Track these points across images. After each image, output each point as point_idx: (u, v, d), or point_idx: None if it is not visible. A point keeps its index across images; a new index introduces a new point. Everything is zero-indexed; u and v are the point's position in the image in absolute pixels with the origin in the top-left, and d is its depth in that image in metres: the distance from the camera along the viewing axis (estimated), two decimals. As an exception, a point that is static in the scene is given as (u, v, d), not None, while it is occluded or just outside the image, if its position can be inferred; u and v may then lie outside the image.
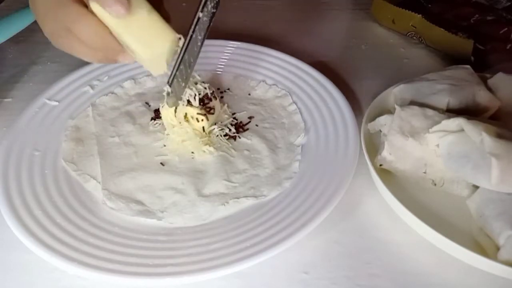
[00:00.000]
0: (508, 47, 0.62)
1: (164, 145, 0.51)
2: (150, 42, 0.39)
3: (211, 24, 0.42)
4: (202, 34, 0.42)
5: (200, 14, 0.41)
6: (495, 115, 0.50)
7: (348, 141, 0.49)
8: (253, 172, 0.49)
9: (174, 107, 0.50)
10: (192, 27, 0.41)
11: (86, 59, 0.40)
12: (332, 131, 0.51)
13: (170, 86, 0.44)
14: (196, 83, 0.51)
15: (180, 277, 0.37)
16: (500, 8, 0.70)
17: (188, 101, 0.49)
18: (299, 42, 0.70)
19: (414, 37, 0.69)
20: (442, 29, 0.64)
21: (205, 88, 0.51)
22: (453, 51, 0.64)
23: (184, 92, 0.48)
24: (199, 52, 0.44)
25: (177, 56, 0.42)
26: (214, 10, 0.42)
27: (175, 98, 0.46)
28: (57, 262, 0.38)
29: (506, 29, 0.64)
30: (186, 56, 0.42)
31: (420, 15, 0.67)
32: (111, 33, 0.38)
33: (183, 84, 0.46)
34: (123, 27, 0.38)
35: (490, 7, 0.70)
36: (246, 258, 0.38)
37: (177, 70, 0.43)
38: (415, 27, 0.68)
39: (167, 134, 0.52)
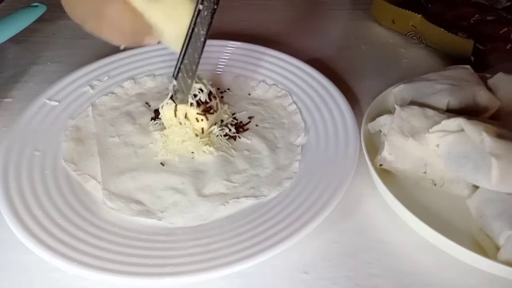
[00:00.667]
0: (508, 47, 0.62)
1: (164, 146, 0.51)
2: (177, 18, 0.40)
3: (213, 20, 0.42)
4: (205, 29, 0.42)
5: (201, 7, 0.41)
6: (495, 115, 0.50)
7: (348, 141, 0.49)
8: (253, 172, 0.49)
9: (173, 108, 0.50)
10: (193, 19, 0.41)
11: (114, 42, 0.40)
12: (332, 131, 0.51)
13: (175, 79, 0.43)
14: (201, 79, 0.51)
15: (180, 277, 0.37)
16: (500, 8, 0.70)
17: (195, 96, 0.50)
18: (299, 42, 0.70)
19: (414, 37, 0.69)
20: (442, 29, 0.64)
21: (208, 83, 0.51)
22: (453, 51, 0.64)
23: (193, 88, 0.48)
24: (202, 48, 0.43)
25: (180, 49, 0.42)
26: (215, 6, 0.42)
27: (183, 94, 0.46)
28: (57, 262, 0.38)
29: (506, 29, 0.64)
30: (190, 50, 0.42)
31: (420, 15, 0.67)
32: (138, 15, 0.39)
33: (190, 81, 0.45)
34: (150, 6, 0.39)
35: (490, 7, 0.70)
36: (246, 258, 0.38)
37: (181, 64, 0.42)
38: (415, 27, 0.68)
39: (167, 135, 0.52)
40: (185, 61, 0.43)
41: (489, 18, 0.67)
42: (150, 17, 0.39)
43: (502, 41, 0.63)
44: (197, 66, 0.44)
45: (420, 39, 0.69)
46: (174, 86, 0.44)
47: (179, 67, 0.43)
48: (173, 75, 0.43)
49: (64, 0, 0.38)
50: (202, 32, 0.42)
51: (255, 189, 0.47)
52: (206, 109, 0.51)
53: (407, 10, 0.68)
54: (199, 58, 0.44)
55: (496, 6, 0.70)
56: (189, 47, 0.42)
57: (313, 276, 0.40)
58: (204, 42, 0.43)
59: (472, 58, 0.62)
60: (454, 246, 0.38)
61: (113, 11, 0.37)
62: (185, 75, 0.44)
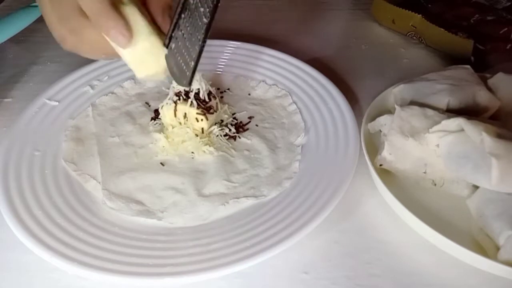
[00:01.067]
0: (508, 47, 0.62)
1: (164, 146, 0.51)
2: (145, 65, 0.40)
3: (218, 3, 0.41)
4: (206, 8, 0.40)
5: None
6: (495, 115, 0.50)
7: (348, 141, 0.49)
8: (253, 172, 0.49)
9: (173, 108, 0.50)
10: None
11: (91, 58, 0.42)
12: (332, 131, 0.51)
13: (167, 48, 0.40)
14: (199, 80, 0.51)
15: (180, 277, 0.37)
16: (500, 8, 0.70)
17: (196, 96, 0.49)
18: (299, 42, 0.70)
19: (414, 37, 0.69)
20: (442, 29, 0.64)
21: (208, 83, 0.51)
22: (453, 51, 0.64)
23: (195, 73, 0.46)
24: (206, 32, 0.40)
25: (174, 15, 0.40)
26: None
27: (184, 75, 0.42)
28: (57, 262, 0.38)
29: (506, 29, 0.64)
30: (187, 23, 0.39)
31: (420, 15, 0.67)
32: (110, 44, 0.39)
33: (192, 63, 0.42)
34: (120, 49, 0.39)
35: (490, 7, 0.70)
36: (246, 258, 0.38)
37: (172, 31, 0.40)
38: (415, 27, 0.68)
39: (167, 135, 0.52)
40: (181, 33, 0.40)
41: (489, 18, 0.67)
42: (122, 56, 0.40)
43: (502, 41, 0.63)
44: (200, 49, 0.41)
45: (420, 39, 0.69)
46: (166, 56, 0.40)
47: (170, 35, 0.40)
48: (164, 43, 0.40)
49: (46, 20, 0.39)
50: (202, 9, 0.40)
51: (255, 189, 0.47)
52: (206, 109, 0.51)
53: (407, 10, 0.68)
54: (203, 42, 0.41)
55: (496, 6, 0.70)
56: (184, 19, 0.39)
57: (313, 276, 0.40)
58: (209, 25, 0.40)
59: (472, 58, 0.62)
60: (454, 246, 0.38)
61: (86, 37, 0.38)
62: (184, 52, 0.41)
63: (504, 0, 0.70)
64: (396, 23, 0.71)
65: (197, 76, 0.50)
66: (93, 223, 0.43)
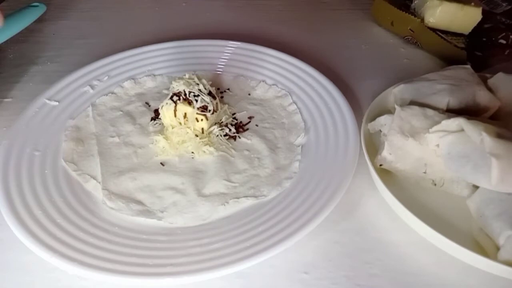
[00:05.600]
0: (506, 53, 0.62)
1: (164, 146, 0.51)
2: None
3: None
4: None
5: None
6: (495, 115, 0.50)
7: (348, 141, 0.49)
8: (253, 172, 0.49)
9: (173, 108, 0.50)
10: None
11: None
12: (332, 131, 0.51)
13: None
14: (200, 79, 0.51)
15: (180, 277, 0.37)
16: (500, 12, 0.69)
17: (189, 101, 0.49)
18: (299, 42, 0.70)
19: (411, 41, 0.69)
20: (438, 36, 0.64)
21: (208, 83, 0.52)
22: (447, 58, 0.64)
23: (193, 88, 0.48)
24: None
25: None
26: None
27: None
28: (57, 262, 0.38)
29: (503, 34, 0.64)
30: None
31: (420, 19, 0.66)
32: None
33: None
34: None
35: (488, 13, 0.69)
36: (246, 258, 0.38)
37: None
38: (413, 31, 0.68)
39: (167, 135, 0.52)
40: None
41: (486, 26, 0.67)
42: None
43: (501, 47, 0.63)
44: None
45: (417, 43, 0.68)
46: None
47: None
48: None
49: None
50: None
51: (255, 189, 0.47)
52: (205, 108, 0.51)
53: (407, 13, 0.68)
54: None
55: (496, 11, 0.70)
56: None
57: (313, 276, 0.40)
58: None
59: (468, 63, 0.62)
60: (454, 246, 0.38)
61: None
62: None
63: (504, 4, 0.70)
64: (395, 25, 0.71)
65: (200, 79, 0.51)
66: (93, 223, 0.43)
